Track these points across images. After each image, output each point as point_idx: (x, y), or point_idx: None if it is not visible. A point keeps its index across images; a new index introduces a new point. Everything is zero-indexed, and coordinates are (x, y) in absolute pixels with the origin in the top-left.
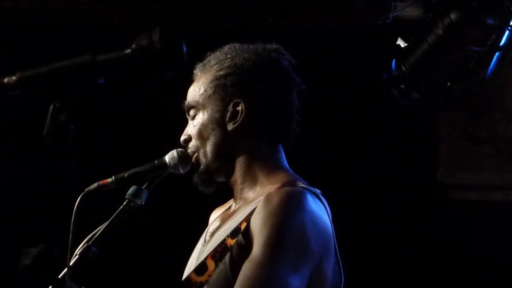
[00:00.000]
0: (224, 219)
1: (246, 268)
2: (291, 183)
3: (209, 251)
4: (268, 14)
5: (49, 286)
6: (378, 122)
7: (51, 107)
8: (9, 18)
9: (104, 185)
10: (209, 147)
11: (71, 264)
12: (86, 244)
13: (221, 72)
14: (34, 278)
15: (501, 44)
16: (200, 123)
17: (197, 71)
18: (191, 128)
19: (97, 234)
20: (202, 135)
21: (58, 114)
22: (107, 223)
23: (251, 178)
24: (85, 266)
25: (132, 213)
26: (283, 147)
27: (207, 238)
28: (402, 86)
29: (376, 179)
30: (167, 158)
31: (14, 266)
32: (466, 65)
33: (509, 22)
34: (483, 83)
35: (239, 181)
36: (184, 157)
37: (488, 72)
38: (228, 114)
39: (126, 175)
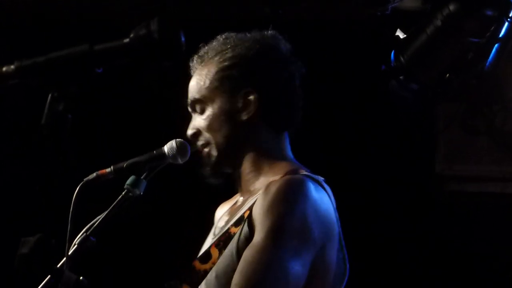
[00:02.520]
0: (232, 213)
1: (248, 254)
2: (293, 171)
3: (214, 241)
4: (266, 4)
5: (47, 275)
6: (376, 114)
7: (49, 96)
8: (6, 11)
9: (102, 175)
10: (221, 139)
11: (69, 253)
12: (84, 234)
13: (226, 63)
14: (32, 267)
15: (500, 35)
16: (210, 116)
17: (194, 64)
18: (200, 122)
19: (96, 224)
20: (213, 127)
21: (56, 103)
22: (105, 213)
23: (257, 169)
24: (83, 256)
25: (131, 203)
26: (288, 133)
27: (217, 231)
28: (400, 77)
29: (374, 171)
30: (166, 148)
31: (13, 255)
32: (465, 56)
33: (508, 13)
34: (482, 75)
35: (246, 171)
36: (182, 148)
37: (487, 63)
38: (240, 104)
39: (124, 165)
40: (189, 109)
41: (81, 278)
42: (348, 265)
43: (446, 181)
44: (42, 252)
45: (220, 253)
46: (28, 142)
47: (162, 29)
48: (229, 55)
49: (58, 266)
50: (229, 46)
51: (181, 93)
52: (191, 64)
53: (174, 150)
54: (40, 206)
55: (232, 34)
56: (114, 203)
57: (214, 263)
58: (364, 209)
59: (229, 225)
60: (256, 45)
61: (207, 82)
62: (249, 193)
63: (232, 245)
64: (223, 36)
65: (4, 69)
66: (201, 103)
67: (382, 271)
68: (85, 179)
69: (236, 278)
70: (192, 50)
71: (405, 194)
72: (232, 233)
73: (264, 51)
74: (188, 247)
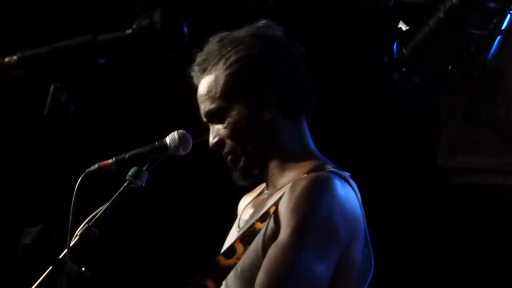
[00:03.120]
0: (256, 205)
1: (272, 252)
2: (319, 167)
3: (239, 235)
4: None
5: (49, 266)
6: (378, 107)
7: (52, 87)
8: (7, 1)
9: (104, 166)
10: (248, 144)
11: (71, 245)
12: (86, 225)
13: (233, 68)
14: (34, 258)
15: (502, 27)
16: (231, 124)
17: (196, 73)
18: (221, 131)
19: (98, 215)
20: (236, 135)
21: (59, 94)
22: (107, 204)
23: (282, 165)
24: (85, 247)
25: (133, 194)
26: (306, 120)
27: (241, 224)
28: (403, 69)
29: (377, 164)
30: (167, 139)
31: (15, 246)
32: (468, 48)
33: (511, 5)
34: (485, 67)
35: (271, 167)
36: (184, 139)
37: (490, 55)
38: (258, 106)
39: (126, 156)
40: (205, 120)
41: (83, 269)
42: (373, 261)
43: (449, 173)
44: (44, 243)
45: (245, 248)
46: (31, 133)
47: (165, 20)
48: (233, 58)
49: (60, 257)
50: (229, 49)
51: (183, 84)
52: (192, 74)
53: (176, 141)
54: (42, 197)
55: (224, 34)
56: (116, 194)
57: (238, 259)
58: (366, 203)
59: (253, 220)
60: (256, 41)
61: (218, 90)
62: (275, 187)
63: (257, 241)
64: (218, 38)
65: (6, 59)
66: (217, 113)
67: (385, 263)
68: (87, 170)
69: (260, 276)
70: (195, 41)
71: (408, 186)
72: (257, 228)
73: (264, 45)
74: (190, 238)
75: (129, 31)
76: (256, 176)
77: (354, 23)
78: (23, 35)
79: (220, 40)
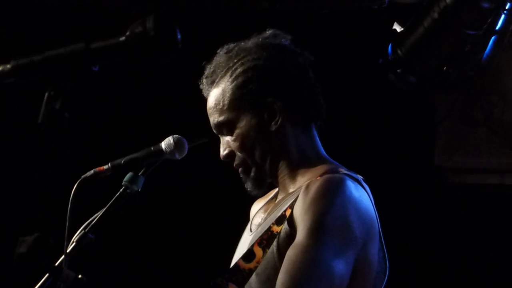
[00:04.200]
0: (268, 210)
1: (291, 253)
2: (332, 170)
3: (256, 239)
4: None
5: (45, 273)
6: (374, 106)
7: (46, 95)
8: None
9: (100, 172)
10: (257, 155)
11: (68, 251)
12: (83, 231)
13: (239, 80)
14: (30, 266)
15: (497, 27)
16: (239, 136)
17: (205, 86)
18: (230, 143)
19: (94, 221)
20: (246, 146)
21: (53, 102)
22: (104, 209)
23: (295, 171)
24: (82, 253)
25: (129, 200)
26: (316, 128)
27: (253, 228)
28: (398, 70)
29: (374, 164)
30: (163, 144)
31: (11, 254)
32: (462, 48)
33: (505, 5)
34: (479, 67)
35: (282, 174)
36: (180, 144)
37: (484, 55)
38: (266, 116)
39: (122, 161)
40: (215, 132)
41: (80, 276)
42: (388, 265)
43: (445, 172)
44: (40, 251)
45: (264, 251)
46: (25, 140)
47: (158, 27)
48: (239, 70)
49: (57, 264)
50: (235, 60)
51: (177, 89)
52: (201, 87)
53: (172, 146)
54: (38, 204)
55: (232, 45)
56: (112, 200)
57: (258, 262)
58: None
59: (269, 224)
60: (262, 52)
61: (226, 102)
62: (287, 192)
63: (275, 246)
64: (225, 50)
65: (0, 68)
66: (226, 125)
67: None
68: (83, 176)
69: (281, 278)
70: (190, 45)
71: (405, 186)
72: (274, 231)
73: (271, 55)
74: (186, 242)
75: (122, 38)
76: (269, 184)
77: (348, 24)
78: (17, 36)
79: (227, 52)
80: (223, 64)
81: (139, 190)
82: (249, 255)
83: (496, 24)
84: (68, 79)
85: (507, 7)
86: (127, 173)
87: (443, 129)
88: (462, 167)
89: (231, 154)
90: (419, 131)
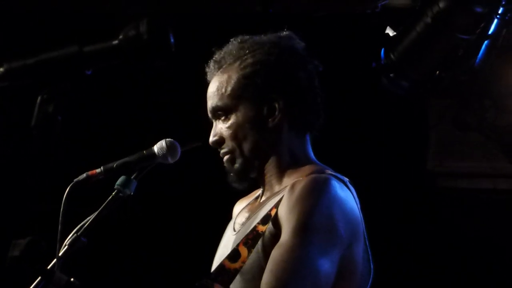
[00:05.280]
0: (252, 209)
1: (276, 253)
2: (318, 171)
3: (241, 239)
4: (256, 2)
5: (38, 277)
6: (367, 111)
7: (39, 98)
8: None
9: (93, 176)
10: (247, 147)
11: (60, 254)
12: (75, 235)
13: (247, 70)
14: (23, 270)
15: (489, 32)
16: (234, 124)
17: (211, 70)
18: (223, 130)
19: (87, 225)
20: (238, 136)
21: (46, 105)
22: (96, 213)
23: (282, 171)
24: (74, 257)
25: (122, 203)
26: (310, 136)
27: (237, 227)
28: (391, 74)
29: (366, 168)
30: (156, 148)
31: (3, 258)
32: (455, 53)
33: (498, 10)
34: (472, 71)
35: (270, 173)
36: (172, 147)
37: (477, 60)
38: (265, 112)
39: (115, 165)
40: (210, 116)
41: (72, 279)
42: (372, 266)
43: (438, 177)
44: (33, 255)
45: (249, 251)
46: (19, 144)
47: (151, 30)
48: (249, 61)
49: (49, 267)
50: (247, 51)
51: (171, 93)
52: (207, 70)
53: (164, 150)
54: (30, 207)
55: (247, 37)
56: (105, 204)
57: (243, 262)
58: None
59: (255, 223)
60: (275, 49)
61: (229, 89)
62: (273, 192)
63: (260, 245)
64: (238, 40)
65: None
66: (223, 111)
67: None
68: (75, 180)
69: (266, 277)
70: (183, 48)
71: (397, 191)
72: (260, 231)
73: (283, 55)
74: (178, 246)
75: (115, 41)
76: (251, 180)
77: (341, 28)
78: (11, 40)
79: (240, 42)
80: (234, 52)
81: (132, 194)
82: (234, 255)
83: (489, 29)
84: (61, 82)
85: (499, 12)
86: (119, 177)
87: (435, 134)
88: (454, 172)
89: (220, 141)
90: (412, 136)
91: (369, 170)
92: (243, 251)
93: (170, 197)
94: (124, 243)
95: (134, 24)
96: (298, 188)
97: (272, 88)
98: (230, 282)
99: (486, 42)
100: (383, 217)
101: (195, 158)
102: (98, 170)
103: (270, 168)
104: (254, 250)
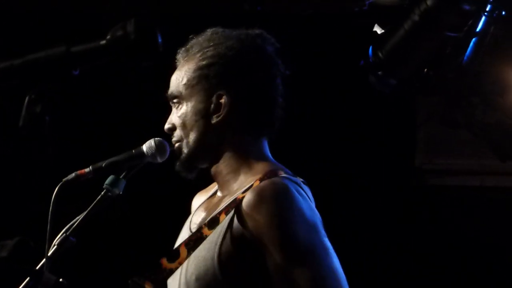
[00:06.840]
0: (208, 209)
1: (297, 277)
2: (272, 172)
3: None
4: (245, 1)
5: (26, 277)
6: (355, 109)
7: (26, 98)
8: None
9: (81, 175)
10: (192, 138)
11: (49, 254)
12: (64, 234)
13: (204, 62)
14: (11, 270)
15: (477, 29)
16: (183, 114)
17: (180, 57)
18: (175, 118)
19: (75, 224)
20: (185, 125)
21: (34, 105)
22: (85, 213)
23: (234, 169)
24: (63, 257)
25: (110, 203)
26: (266, 136)
27: (193, 227)
28: (379, 72)
29: (354, 166)
30: (144, 147)
31: None
32: (443, 51)
33: (486, 7)
34: (460, 69)
35: (223, 172)
36: (161, 147)
37: (465, 58)
38: (212, 106)
39: (103, 164)
40: (169, 101)
41: (60, 279)
42: None
43: (426, 174)
44: (21, 255)
45: (189, 253)
46: (6, 144)
47: (139, 30)
48: (209, 53)
49: (38, 267)
50: (211, 44)
51: (159, 92)
52: (177, 57)
53: (153, 149)
54: (19, 207)
55: (220, 30)
56: (94, 203)
57: (180, 263)
58: (343, 205)
59: (201, 224)
60: (238, 44)
61: (185, 79)
62: (227, 191)
63: (211, 250)
64: (210, 31)
65: None
66: (177, 99)
67: (362, 265)
68: (64, 179)
69: None
70: (173, 46)
71: (385, 188)
72: (204, 234)
73: (245, 51)
74: (167, 246)
75: (103, 41)
76: (198, 171)
77: (329, 27)
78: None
79: (211, 34)
80: (201, 43)
81: (121, 193)
82: (173, 255)
83: (477, 26)
84: (48, 83)
85: (487, 9)
86: (108, 176)
87: (423, 131)
88: (442, 169)
89: (172, 128)
90: (400, 133)
91: (358, 168)
92: (183, 252)
93: (159, 196)
94: (113, 242)
95: (122, 24)
96: (264, 206)
97: (223, 83)
98: (164, 281)
99: (474, 39)
100: (371, 214)
101: None
102: (87, 170)
103: (224, 165)
104: (209, 257)
